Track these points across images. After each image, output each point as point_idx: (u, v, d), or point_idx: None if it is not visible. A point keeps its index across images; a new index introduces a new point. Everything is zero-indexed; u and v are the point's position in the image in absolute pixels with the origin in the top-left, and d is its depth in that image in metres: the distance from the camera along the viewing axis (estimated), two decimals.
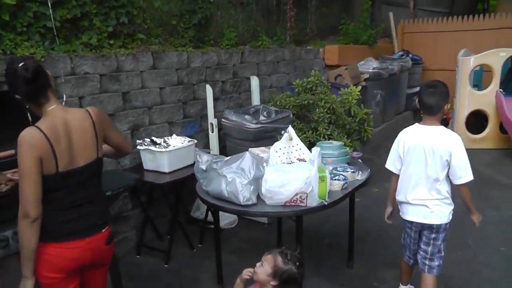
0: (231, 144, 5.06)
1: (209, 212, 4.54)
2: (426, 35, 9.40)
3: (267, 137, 4.94)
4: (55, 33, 3.97)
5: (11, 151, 3.06)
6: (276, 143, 3.55)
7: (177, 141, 4.32)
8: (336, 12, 8.84)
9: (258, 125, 4.84)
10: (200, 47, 5.44)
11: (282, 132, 3.72)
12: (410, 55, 8.87)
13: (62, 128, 2.13)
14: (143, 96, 4.57)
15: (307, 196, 2.99)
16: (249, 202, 3.01)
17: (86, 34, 4.27)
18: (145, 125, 4.61)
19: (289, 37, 7.32)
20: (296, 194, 2.97)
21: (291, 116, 5.20)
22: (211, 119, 5.02)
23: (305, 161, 3.41)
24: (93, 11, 4.29)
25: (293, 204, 3.00)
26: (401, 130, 3.21)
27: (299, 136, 5.30)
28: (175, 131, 4.90)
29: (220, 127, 5.13)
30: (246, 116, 4.94)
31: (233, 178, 3.02)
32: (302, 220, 3.19)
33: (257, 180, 3.04)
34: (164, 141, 4.32)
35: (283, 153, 3.48)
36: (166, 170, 4.07)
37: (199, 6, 5.43)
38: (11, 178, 2.90)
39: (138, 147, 4.18)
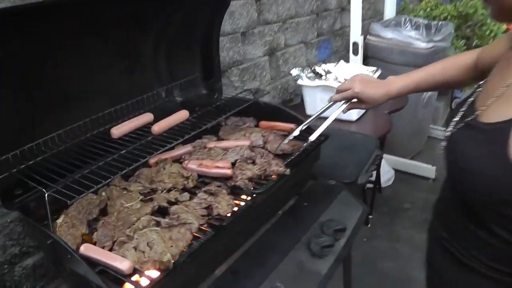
0: (381, 71, 3.46)
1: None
2: None
3: (432, 61, 3.35)
4: None
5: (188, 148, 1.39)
6: None
7: (348, 71, 2.67)
8: None
9: (430, 44, 3.23)
10: None
11: None
12: None
13: None
14: (276, 5, 2.80)
15: None
16: None
17: None
18: (280, 47, 2.88)
19: None
20: None
21: (453, 31, 3.58)
22: (355, 37, 3.32)
23: None
24: None
25: None
26: None
27: None
28: (309, 54, 3.21)
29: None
30: (412, 33, 3.29)
31: None
32: None
33: None
34: (328, 71, 2.67)
35: None
36: (354, 118, 2.47)
37: None
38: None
39: (299, 81, 2.53)
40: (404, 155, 3.67)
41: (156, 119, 1.34)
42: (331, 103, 1.48)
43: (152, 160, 1.32)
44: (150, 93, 1.48)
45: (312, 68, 2.60)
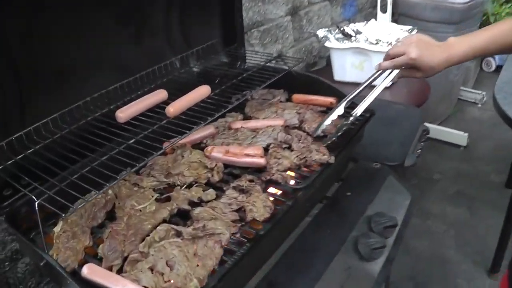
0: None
1: None
2: None
3: (469, 17, 3.02)
4: None
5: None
6: None
7: (379, 31, 2.35)
8: None
9: None
10: None
11: None
12: None
13: None
14: None
15: None
16: None
17: None
18: (303, 5, 2.56)
19: None
20: None
21: None
22: None
23: None
24: None
25: None
26: None
27: (500, 13, 3.40)
28: (334, 12, 2.88)
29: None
30: None
31: None
32: None
33: None
34: (358, 31, 2.36)
35: None
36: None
37: None
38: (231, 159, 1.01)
39: (327, 43, 2.23)
40: (433, 120, 3.39)
41: (171, 96, 1.09)
42: (378, 72, 1.21)
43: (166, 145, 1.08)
44: (162, 64, 1.22)
45: (341, 29, 2.29)
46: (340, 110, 1.13)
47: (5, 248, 1.30)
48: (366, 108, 1.18)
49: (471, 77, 3.88)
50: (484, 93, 3.66)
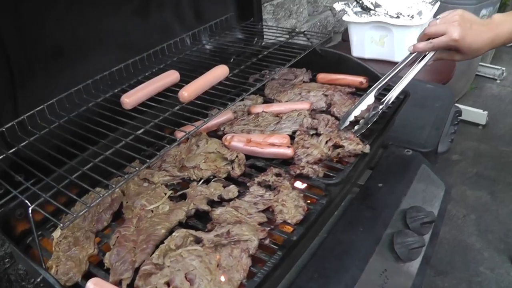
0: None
1: None
2: None
3: None
4: None
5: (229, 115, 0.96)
6: None
7: (399, 3, 2.17)
8: None
9: None
10: None
11: None
12: None
13: None
14: None
15: None
16: None
17: None
18: None
19: None
20: None
21: None
22: None
23: None
24: None
25: None
26: None
27: None
28: None
29: None
30: None
31: None
32: None
33: None
34: (377, 4, 2.18)
35: None
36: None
37: None
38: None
39: (345, 17, 2.07)
40: None
41: (184, 78, 0.95)
42: (412, 55, 1.06)
43: (179, 134, 0.95)
44: (171, 41, 1.08)
45: (359, 1, 2.11)
46: (370, 99, 0.99)
47: (4, 244, 1.20)
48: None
49: (490, 51, 3.69)
50: (503, 68, 3.48)
